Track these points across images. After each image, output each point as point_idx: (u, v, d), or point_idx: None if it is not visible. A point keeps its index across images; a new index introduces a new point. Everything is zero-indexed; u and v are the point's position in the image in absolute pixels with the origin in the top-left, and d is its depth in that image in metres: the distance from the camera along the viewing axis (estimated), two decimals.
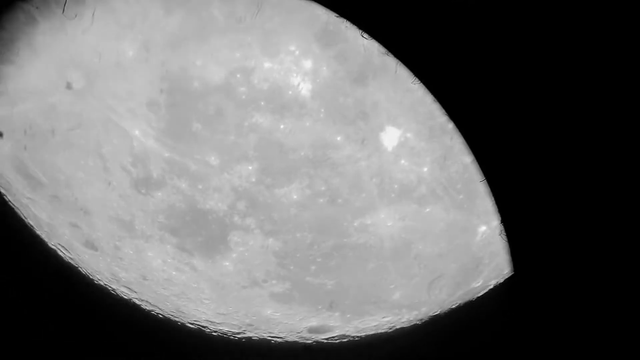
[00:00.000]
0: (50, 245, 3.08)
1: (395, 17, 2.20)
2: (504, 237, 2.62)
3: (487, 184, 2.52)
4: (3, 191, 2.94)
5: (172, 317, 3.18)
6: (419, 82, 2.30)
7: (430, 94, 2.32)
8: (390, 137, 2.57)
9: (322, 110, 2.52)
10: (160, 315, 3.18)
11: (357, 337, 3.18)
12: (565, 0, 2.16)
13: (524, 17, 2.19)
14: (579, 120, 2.38)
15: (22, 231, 3.03)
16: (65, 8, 2.39)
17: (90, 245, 3.01)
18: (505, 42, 2.22)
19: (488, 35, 2.21)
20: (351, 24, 2.23)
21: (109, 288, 3.15)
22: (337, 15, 2.22)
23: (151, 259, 3.00)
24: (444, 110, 2.36)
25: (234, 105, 2.53)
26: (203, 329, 3.20)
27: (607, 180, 2.47)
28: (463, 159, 2.57)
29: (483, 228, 2.77)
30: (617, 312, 2.75)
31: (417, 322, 3.11)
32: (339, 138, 2.58)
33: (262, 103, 2.52)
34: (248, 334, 3.20)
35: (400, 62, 2.28)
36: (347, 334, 3.17)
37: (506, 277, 2.87)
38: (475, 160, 2.46)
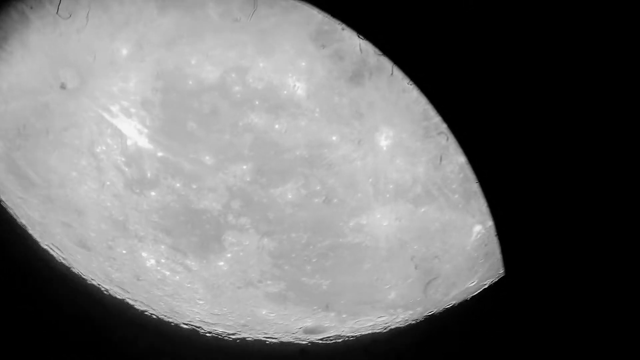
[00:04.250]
0: (43, 245, 3.06)
1: (393, 19, 2.21)
2: (498, 237, 2.63)
3: (480, 185, 2.52)
4: None
5: (165, 318, 3.16)
6: (414, 85, 2.31)
7: (424, 96, 2.33)
8: (386, 137, 2.57)
9: (317, 109, 2.52)
10: (154, 316, 3.16)
11: (353, 337, 3.17)
12: (565, 6, 2.17)
13: (522, 20, 2.20)
14: (573, 122, 2.39)
15: (14, 231, 3.01)
16: (59, 7, 2.39)
17: (83, 245, 3.00)
18: (503, 44, 2.23)
19: (486, 37, 2.21)
20: (346, 26, 2.24)
21: (102, 288, 3.12)
22: (331, 17, 2.23)
23: (145, 259, 2.98)
24: (438, 113, 2.37)
25: (229, 105, 2.52)
26: (197, 329, 3.18)
27: (602, 181, 2.48)
28: (458, 159, 2.57)
29: (478, 228, 2.77)
30: (611, 311, 2.76)
31: (413, 322, 3.11)
32: (334, 138, 2.58)
33: (257, 102, 2.51)
34: (243, 335, 3.19)
35: (395, 65, 2.29)
36: (343, 334, 3.16)
37: (501, 277, 2.87)
38: (469, 162, 2.47)
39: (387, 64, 2.35)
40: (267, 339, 3.18)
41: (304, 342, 3.19)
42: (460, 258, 2.88)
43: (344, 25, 2.27)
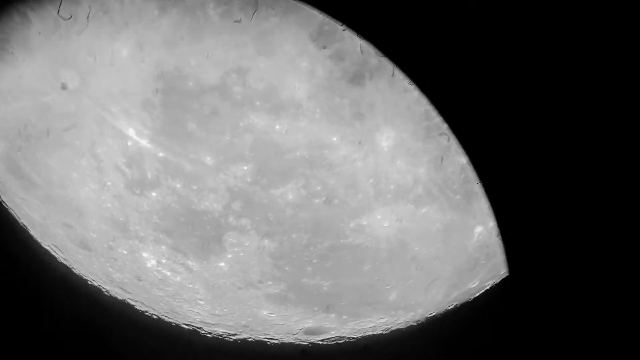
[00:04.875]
0: (44, 246, 3.07)
1: (393, 19, 2.20)
2: (500, 237, 2.62)
3: (482, 186, 2.52)
4: None
5: (166, 318, 3.17)
6: (415, 85, 2.30)
7: (425, 97, 2.33)
8: (387, 137, 2.56)
9: (318, 110, 2.51)
10: (155, 316, 3.16)
11: (353, 338, 3.17)
12: (565, 6, 2.16)
13: (523, 19, 2.19)
14: (575, 122, 2.38)
15: (15, 232, 3.02)
16: (60, 8, 2.39)
17: (84, 245, 3.00)
18: (504, 44, 2.22)
19: (487, 37, 2.21)
20: (347, 27, 2.24)
21: (103, 289, 3.13)
22: (331, 17, 2.22)
23: (145, 260, 2.98)
24: (439, 113, 2.36)
25: (230, 105, 2.52)
26: (198, 330, 3.19)
27: (604, 180, 2.47)
28: (459, 160, 2.57)
29: (479, 229, 2.76)
30: (614, 312, 2.75)
31: (414, 324, 3.10)
32: (334, 138, 2.57)
33: (258, 103, 2.51)
34: (243, 336, 3.19)
35: (396, 66, 2.28)
36: (343, 335, 3.16)
37: (502, 278, 2.86)
38: (471, 162, 2.46)
39: (388, 64, 2.34)
40: (268, 340, 3.18)
41: (304, 343, 3.19)
42: (462, 259, 2.87)
43: (344, 26, 2.27)
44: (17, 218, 3.03)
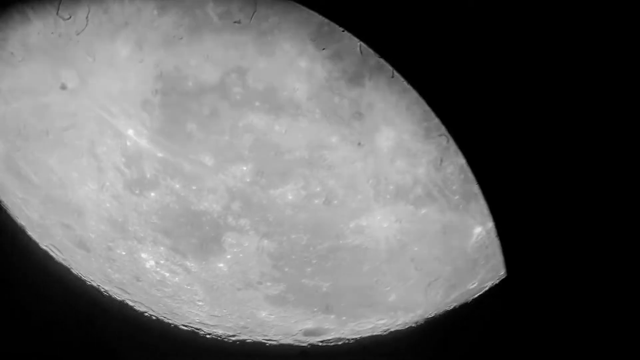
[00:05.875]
0: (42, 246, 3.06)
1: (392, 19, 2.20)
2: (498, 239, 2.62)
3: (480, 187, 2.52)
4: None
5: (165, 319, 3.16)
6: (413, 87, 2.30)
7: (423, 99, 2.33)
8: (386, 138, 2.56)
9: (317, 110, 2.51)
10: (153, 317, 3.16)
11: (353, 339, 3.16)
12: (564, 6, 2.16)
13: (522, 20, 2.19)
14: (574, 123, 2.38)
15: (14, 231, 3.01)
16: (59, 8, 2.39)
17: (83, 246, 2.99)
18: (503, 45, 2.22)
19: (486, 38, 2.21)
20: (345, 30, 2.24)
21: (102, 289, 3.12)
22: (329, 19, 2.23)
23: (144, 260, 2.98)
24: (437, 115, 2.37)
25: (229, 106, 2.52)
26: (197, 331, 3.18)
27: (602, 181, 2.47)
28: (459, 160, 2.56)
29: (479, 229, 2.76)
30: (612, 312, 2.75)
31: (413, 325, 3.09)
32: (334, 139, 2.57)
33: (257, 103, 2.51)
34: (242, 337, 3.18)
35: (394, 69, 2.29)
36: (343, 336, 3.15)
37: (502, 278, 2.86)
38: (468, 164, 2.46)
39: (387, 64, 2.35)
40: (267, 341, 3.18)
41: (304, 344, 3.18)
42: (461, 260, 2.86)
43: (343, 28, 2.27)
44: (15, 218, 3.02)
